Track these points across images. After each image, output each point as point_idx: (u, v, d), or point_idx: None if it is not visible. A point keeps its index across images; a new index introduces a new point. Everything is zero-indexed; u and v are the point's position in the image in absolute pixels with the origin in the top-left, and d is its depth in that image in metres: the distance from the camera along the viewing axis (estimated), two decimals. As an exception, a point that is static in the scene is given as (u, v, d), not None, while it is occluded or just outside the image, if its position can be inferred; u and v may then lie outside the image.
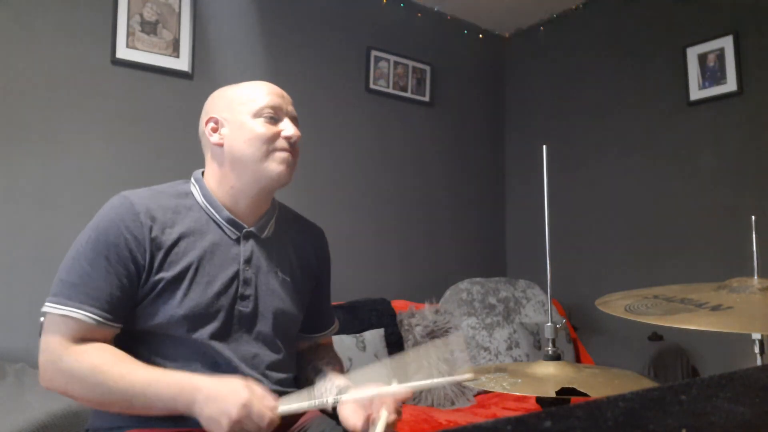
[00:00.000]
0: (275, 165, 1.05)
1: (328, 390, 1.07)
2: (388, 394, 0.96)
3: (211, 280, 1.02)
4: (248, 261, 1.07)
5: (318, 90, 2.82)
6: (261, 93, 1.08)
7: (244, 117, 1.06)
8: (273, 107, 1.07)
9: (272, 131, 1.06)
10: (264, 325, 1.07)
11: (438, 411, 2.24)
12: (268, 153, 1.05)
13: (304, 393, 0.96)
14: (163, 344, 0.98)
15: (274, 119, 1.07)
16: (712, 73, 2.66)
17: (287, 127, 1.07)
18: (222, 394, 0.88)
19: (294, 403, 0.94)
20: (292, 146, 1.07)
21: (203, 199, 1.07)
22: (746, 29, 2.57)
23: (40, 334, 0.95)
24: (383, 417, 0.93)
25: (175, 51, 2.38)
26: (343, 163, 2.90)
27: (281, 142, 1.06)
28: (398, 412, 0.96)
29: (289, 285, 1.13)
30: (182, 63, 2.39)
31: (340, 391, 1.05)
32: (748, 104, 2.56)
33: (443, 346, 0.99)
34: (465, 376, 0.89)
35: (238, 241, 1.07)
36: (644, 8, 2.97)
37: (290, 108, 1.11)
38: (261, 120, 1.06)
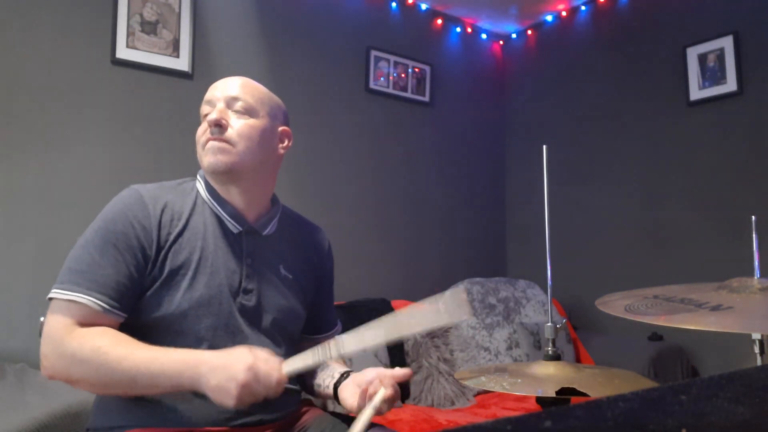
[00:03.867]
0: (204, 158, 1.06)
1: (328, 374, 1.10)
2: (386, 374, 0.98)
3: (215, 272, 1.03)
4: (251, 255, 1.08)
5: (318, 90, 2.82)
6: (206, 95, 1.10)
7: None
8: (208, 101, 1.09)
9: (203, 128, 1.07)
10: (267, 320, 1.08)
11: (438, 411, 2.24)
12: (201, 149, 1.07)
13: (307, 353, 0.95)
14: (167, 337, 0.98)
15: (208, 114, 1.08)
16: (712, 73, 2.66)
17: (212, 113, 1.05)
18: (226, 362, 0.88)
19: (298, 361, 0.94)
20: (221, 129, 1.04)
21: (207, 195, 1.09)
22: (746, 29, 2.57)
23: (40, 334, 0.95)
24: (381, 392, 0.94)
25: (175, 51, 2.38)
26: (343, 162, 2.90)
27: (206, 133, 1.06)
28: (395, 390, 0.97)
29: (291, 282, 1.14)
30: (182, 63, 2.39)
31: (342, 375, 1.07)
32: (748, 104, 2.56)
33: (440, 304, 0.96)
34: (461, 311, 0.88)
35: (240, 235, 1.09)
36: (644, 8, 2.97)
37: (228, 91, 1.07)
38: (202, 122, 1.09)
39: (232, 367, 0.86)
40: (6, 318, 1.95)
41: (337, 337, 0.96)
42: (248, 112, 1.07)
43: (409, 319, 0.94)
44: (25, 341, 1.94)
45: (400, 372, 0.98)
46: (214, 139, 1.04)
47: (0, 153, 2.00)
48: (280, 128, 1.14)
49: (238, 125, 1.05)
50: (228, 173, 1.05)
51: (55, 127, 2.11)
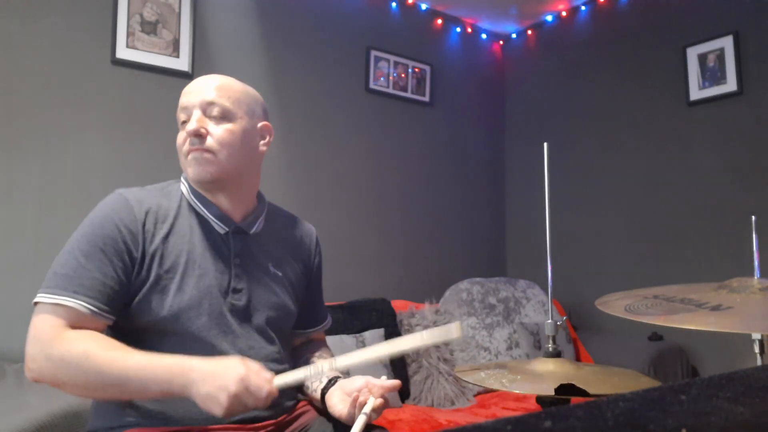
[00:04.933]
0: (190, 169, 1.05)
1: (317, 377, 1.10)
2: (375, 383, 0.98)
3: (203, 273, 1.03)
4: (239, 255, 1.08)
5: (318, 90, 2.82)
6: (180, 100, 1.08)
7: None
8: (183, 108, 1.07)
9: (182, 137, 1.06)
10: (258, 318, 1.08)
11: (438, 411, 2.24)
12: (184, 159, 1.06)
13: (300, 370, 0.96)
14: (158, 340, 0.99)
15: (185, 122, 1.06)
16: (712, 73, 2.66)
17: (190, 123, 1.04)
18: (218, 371, 0.87)
19: (290, 375, 0.95)
20: (201, 139, 1.03)
21: (192, 197, 1.09)
22: (746, 29, 2.57)
23: None
24: (371, 401, 0.94)
25: (175, 51, 2.38)
26: (343, 163, 2.90)
27: (187, 144, 1.05)
28: (385, 399, 0.97)
29: (281, 279, 1.15)
30: (182, 63, 2.39)
31: (330, 380, 1.07)
32: (748, 104, 2.56)
33: (438, 337, 0.97)
34: (451, 329, 0.89)
35: (227, 236, 1.08)
36: (644, 8, 2.97)
37: (203, 96, 1.05)
38: (180, 129, 1.08)
39: (224, 377, 0.86)
40: (6, 318, 1.95)
41: (331, 358, 0.97)
42: (226, 116, 1.05)
43: (403, 340, 0.95)
44: (24, 341, 1.93)
45: (389, 383, 0.98)
46: (196, 150, 1.03)
47: (0, 152, 2.00)
48: (260, 124, 1.13)
49: (217, 133, 1.04)
50: (213, 182, 1.06)
51: (55, 126, 2.11)
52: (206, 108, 1.05)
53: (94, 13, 2.21)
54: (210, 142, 1.04)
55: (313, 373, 0.95)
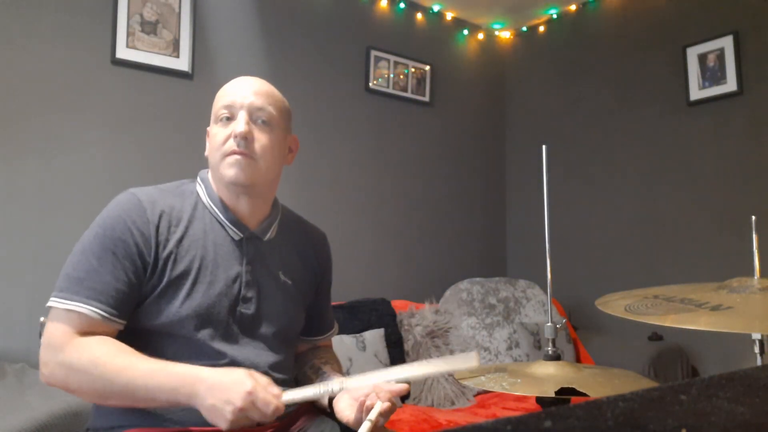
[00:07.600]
0: (226, 170, 1.03)
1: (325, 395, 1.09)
2: (383, 387, 0.97)
3: (214, 280, 1.02)
4: (251, 263, 1.07)
5: (318, 90, 2.82)
6: (221, 94, 1.07)
7: (212, 125, 1.08)
8: (227, 106, 1.04)
9: (224, 135, 1.04)
10: (266, 327, 1.07)
11: (438, 411, 2.24)
12: (222, 158, 1.03)
13: (308, 388, 0.96)
14: (166, 344, 0.98)
15: (229, 119, 1.04)
16: (712, 73, 2.66)
17: (237, 124, 1.02)
18: (225, 383, 0.87)
19: (298, 392, 0.94)
20: (247, 143, 1.02)
21: (208, 200, 1.08)
22: (746, 29, 2.57)
23: (40, 335, 0.95)
24: (378, 405, 0.94)
25: (175, 51, 2.38)
26: (343, 163, 2.90)
27: (230, 144, 1.02)
28: (393, 403, 0.96)
29: (290, 288, 1.14)
30: (182, 63, 2.39)
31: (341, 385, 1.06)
32: (748, 104, 2.56)
33: (450, 365, 0.99)
34: (471, 358, 0.89)
35: (241, 242, 1.07)
36: (644, 8, 2.97)
37: (251, 99, 1.04)
38: (218, 125, 1.06)
39: (231, 391, 0.86)
40: (6, 318, 1.95)
41: (342, 378, 0.97)
42: (270, 124, 1.06)
43: (418, 367, 0.95)
44: (25, 341, 1.94)
45: (397, 387, 0.97)
46: (241, 153, 1.02)
47: (0, 153, 2.00)
48: (290, 136, 1.14)
49: (262, 140, 1.04)
50: (249, 187, 1.05)
51: (55, 127, 2.11)
52: (253, 112, 1.04)
53: (94, 13, 2.21)
54: (256, 147, 1.03)
55: (322, 392, 0.95)
